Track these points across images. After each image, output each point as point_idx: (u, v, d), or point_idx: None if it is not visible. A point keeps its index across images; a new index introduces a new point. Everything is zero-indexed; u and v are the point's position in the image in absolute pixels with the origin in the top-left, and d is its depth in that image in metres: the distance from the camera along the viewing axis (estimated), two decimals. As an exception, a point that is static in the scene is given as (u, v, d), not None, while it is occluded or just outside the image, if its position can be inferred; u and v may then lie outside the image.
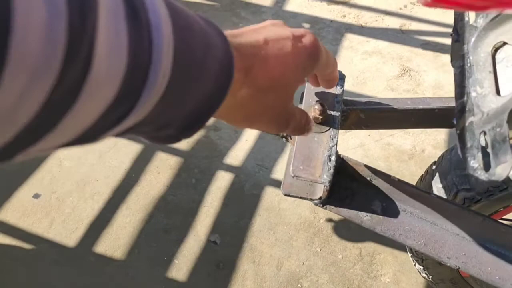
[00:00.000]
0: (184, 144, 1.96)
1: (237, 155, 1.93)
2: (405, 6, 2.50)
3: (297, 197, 0.87)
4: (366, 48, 2.31)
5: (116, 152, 1.95)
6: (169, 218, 1.75)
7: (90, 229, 1.73)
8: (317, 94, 0.93)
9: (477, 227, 0.83)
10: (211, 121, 2.02)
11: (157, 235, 1.71)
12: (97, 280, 1.60)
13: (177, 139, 0.35)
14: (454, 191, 0.91)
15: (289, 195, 0.87)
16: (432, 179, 0.98)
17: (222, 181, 1.85)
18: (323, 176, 0.82)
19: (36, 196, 1.82)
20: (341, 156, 0.86)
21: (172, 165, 1.91)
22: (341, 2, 2.53)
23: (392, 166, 1.87)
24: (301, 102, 1.00)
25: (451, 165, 0.93)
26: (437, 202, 0.84)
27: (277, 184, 1.84)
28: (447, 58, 2.25)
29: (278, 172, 1.87)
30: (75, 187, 1.85)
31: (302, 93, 1.00)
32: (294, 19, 2.47)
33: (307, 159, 0.84)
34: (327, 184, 0.82)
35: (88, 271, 1.62)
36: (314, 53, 0.48)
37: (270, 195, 1.81)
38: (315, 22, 2.44)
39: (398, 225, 0.86)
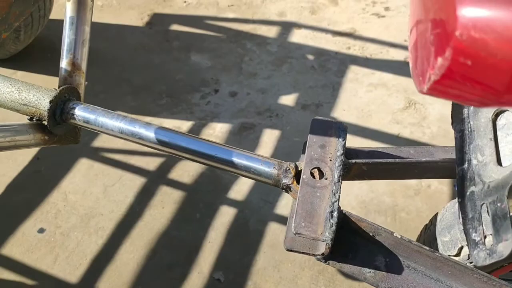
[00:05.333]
0: (188, 178, 1.97)
1: (241, 189, 1.93)
2: (410, 38, 2.51)
3: (299, 252, 0.87)
4: (371, 80, 2.32)
5: (121, 186, 1.96)
6: (173, 254, 1.74)
7: (94, 266, 1.72)
8: (320, 146, 0.93)
9: (481, 286, 0.82)
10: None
11: (161, 272, 1.70)
12: (100, 318, 1.58)
13: None
14: (458, 246, 0.90)
15: (291, 250, 0.87)
16: (436, 231, 0.97)
17: (226, 216, 1.84)
18: (325, 233, 0.82)
19: (41, 230, 1.83)
20: (343, 212, 0.85)
21: (177, 199, 1.90)
22: (346, 34, 2.55)
23: (398, 202, 1.85)
24: (303, 152, 1.00)
25: (455, 218, 0.92)
26: (441, 260, 0.82)
27: (282, 220, 1.83)
28: (452, 90, 2.25)
29: (283, 207, 1.86)
30: (79, 221, 1.85)
31: (305, 143, 1.00)
32: (299, 50, 2.49)
33: (309, 215, 0.84)
34: (329, 242, 0.81)
35: (91, 310, 1.60)
36: None
37: (275, 231, 1.79)
38: (320, 53, 2.46)
39: (402, 282, 0.85)
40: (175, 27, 2.65)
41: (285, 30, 2.59)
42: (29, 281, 1.68)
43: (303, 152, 1.00)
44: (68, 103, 1.01)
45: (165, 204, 1.89)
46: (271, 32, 2.59)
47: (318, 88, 2.30)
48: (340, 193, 0.87)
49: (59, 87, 1.05)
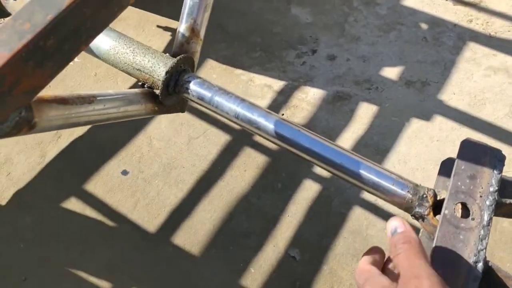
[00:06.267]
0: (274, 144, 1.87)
1: (328, 165, 1.81)
2: (547, 18, 2.16)
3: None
4: (492, 62, 2.03)
5: (205, 140, 1.91)
6: (250, 221, 1.70)
7: (171, 218, 1.72)
8: (470, 177, 0.78)
9: None
10: (304, 121, 1.91)
11: (236, 238, 1.67)
12: (173, 273, 1.60)
13: None
14: None
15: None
16: None
17: (309, 192, 1.75)
18: (467, 288, 0.70)
19: (125, 172, 1.84)
20: (489, 264, 0.72)
21: (259, 164, 1.83)
22: (469, 3, 2.23)
23: None
24: (440, 173, 0.86)
25: None
26: None
27: (368, 205, 1.71)
28: None
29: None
30: (161, 170, 1.84)
31: (446, 162, 0.86)
32: (411, 16, 2.22)
33: (449, 262, 0.72)
34: (471, 300, 0.69)
35: (165, 262, 1.62)
36: None
37: (359, 217, 1.69)
38: (435, 23, 2.18)
39: None
40: (278, -28, 2.44)
41: (399, -10, 2.31)
42: (109, 222, 1.72)
43: (440, 173, 0.86)
44: (183, 75, 0.91)
45: (247, 167, 1.83)
46: (382, -10, 2.32)
47: (427, 64, 2.06)
48: (488, 240, 0.73)
49: (173, 53, 0.95)
